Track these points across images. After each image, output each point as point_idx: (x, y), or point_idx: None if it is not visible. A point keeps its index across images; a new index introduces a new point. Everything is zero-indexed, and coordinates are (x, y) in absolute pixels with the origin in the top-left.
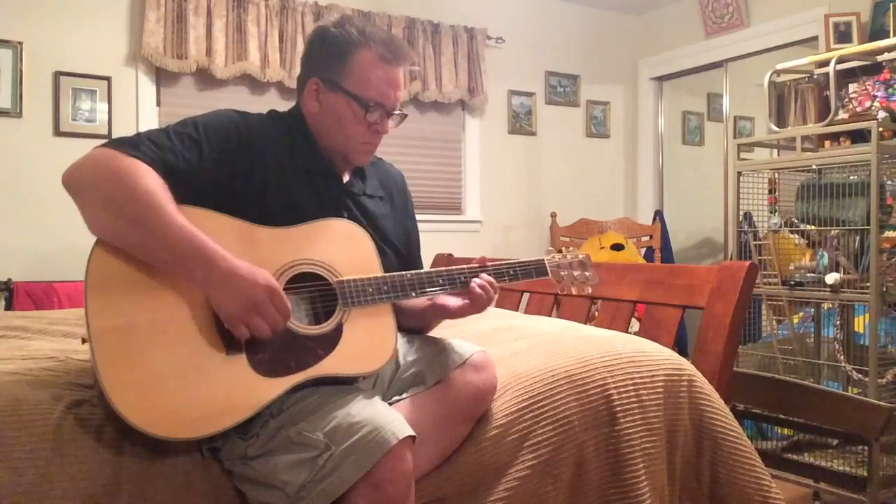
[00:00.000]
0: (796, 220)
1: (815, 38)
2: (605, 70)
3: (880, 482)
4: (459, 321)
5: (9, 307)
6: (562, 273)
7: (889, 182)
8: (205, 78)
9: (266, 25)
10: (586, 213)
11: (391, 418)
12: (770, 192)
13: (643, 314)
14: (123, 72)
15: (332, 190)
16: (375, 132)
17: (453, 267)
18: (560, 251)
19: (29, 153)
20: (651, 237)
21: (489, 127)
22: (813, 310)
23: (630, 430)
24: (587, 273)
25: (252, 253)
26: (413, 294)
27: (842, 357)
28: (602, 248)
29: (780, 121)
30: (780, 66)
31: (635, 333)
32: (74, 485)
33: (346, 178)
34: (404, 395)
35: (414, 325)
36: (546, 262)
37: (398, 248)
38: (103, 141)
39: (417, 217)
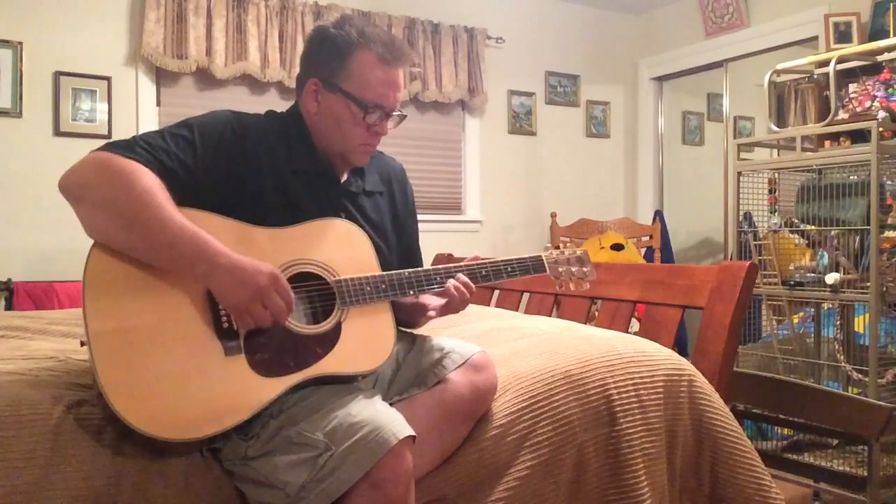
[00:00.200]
0: (796, 220)
1: (815, 38)
2: (605, 70)
3: (880, 482)
4: (459, 321)
5: (9, 307)
6: (559, 269)
7: (889, 182)
8: (205, 78)
9: (266, 25)
10: (586, 213)
11: (391, 418)
12: (770, 192)
13: (643, 314)
14: (123, 72)
15: (330, 190)
16: (374, 133)
17: (451, 265)
18: (557, 247)
19: (29, 153)
20: (651, 237)
21: (489, 127)
22: (813, 310)
23: (630, 430)
24: (585, 269)
25: (250, 253)
26: (411, 292)
27: (842, 357)
28: (602, 248)
29: (780, 121)
30: (780, 66)
31: (635, 333)
32: (74, 485)
33: (344, 178)
34: (404, 396)
35: (402, 319)
36: (544, 258)
37: (397, 244)
38: (103, 142)
39: (418, 217)
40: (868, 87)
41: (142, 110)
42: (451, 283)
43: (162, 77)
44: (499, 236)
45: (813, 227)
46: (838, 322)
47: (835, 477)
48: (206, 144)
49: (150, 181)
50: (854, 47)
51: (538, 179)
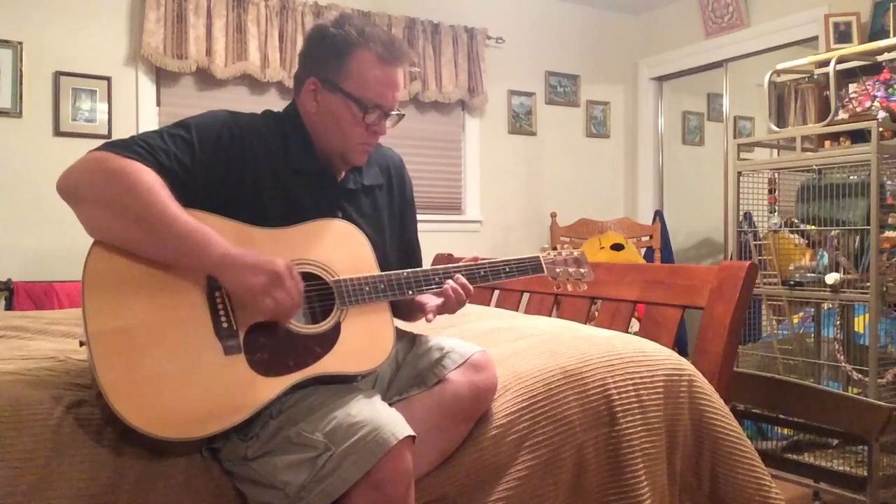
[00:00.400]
0: (796, 220)
1: (815, 38)
2: (605, 70)
3: (880, 482)
4: (459, 321)
5: (9, 307)
6: (557, 270)
7: (889, 182)
8: (205, 78)
9: (266, 25)
10: (586, 213)
11: (391, 418)
12: (770, 192)
13: (643, 314)
14: (123, 72)
15: (327, 190)
16: (373, 133)
17: (450, 265)
18: (555, 248)
19: (29, 153)
20: (651, 237)
21: (489, 127)
22: (813, 310)
23: (630, 430)
24: (582, 270)
25: None
26: (410, 293)
27: (842, 357)
28: (602, 248)
29: (780, 121)
30: (780, 66)
31: (635, 333)
32: (74, 485)
33: (341, 175)
34: (404, 395)
35: (398, 314)
36: (542, 258)
37: (396, 238)
38: (102, 142)
39: (417, 217)
40: (868, 87)
41: (142, 110)
42: (448, 284)
43: (162, 77)
44: (499, 236)
45: (813, 227)
46: (838, 322)
47: (835, 477)
48: (203, 144)
49: (150, 178)
50: (854, 47)
51: (538, 179)
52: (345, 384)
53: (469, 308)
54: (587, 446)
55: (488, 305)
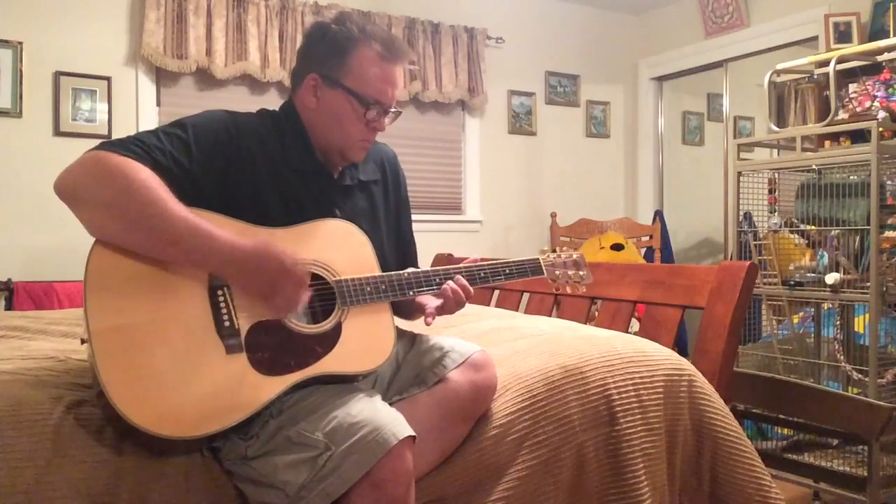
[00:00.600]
0: (796, 220)
1: (815, 38)
2: (605, 70)
3: (880, 482)
4: (459, 321)
5: (9, 307)
6: (556, 272)
7: (889, 182)
8: (205, 78)
9: (266, 25)
10: (586, 213)
11: (391, 418)
12: (770, 192)
13: (643, 314)
14: (123, 72)
15: (324, 188)
16: (373, 129)
17: (450, 266)
18: (554, 250)
19: (29, 153)
20: (651, 237)
21: (489, 127)
22: (813, 310)
23: (630, 430)
24: (581, 272)
25: None
26: (410, 293)
27: (842, 357)
28: (602, 248)
29: (780, 121)
30: (780, 66)
31: (635, 333)
32: (74, 485)
33: (338, 172)
34: (404, 395)
35: (398, 312)
36: (541, 261)
37: (391, 234)
38: (100, 142)
39: (417, 217)
40: (868, 87)
41: (142, 110)
42: (447, 285)
43: (162, 77)
44: (499, 236)
45: (813, 227)
46: (838, 322)
47: (835, 477)
48: (200, 144)
49: (147, 176)
50: (854, 47)
51: (538, 179)
52: (345, 384)
53: (469, 308)
54: (587, 446)
55: (488, 305)
